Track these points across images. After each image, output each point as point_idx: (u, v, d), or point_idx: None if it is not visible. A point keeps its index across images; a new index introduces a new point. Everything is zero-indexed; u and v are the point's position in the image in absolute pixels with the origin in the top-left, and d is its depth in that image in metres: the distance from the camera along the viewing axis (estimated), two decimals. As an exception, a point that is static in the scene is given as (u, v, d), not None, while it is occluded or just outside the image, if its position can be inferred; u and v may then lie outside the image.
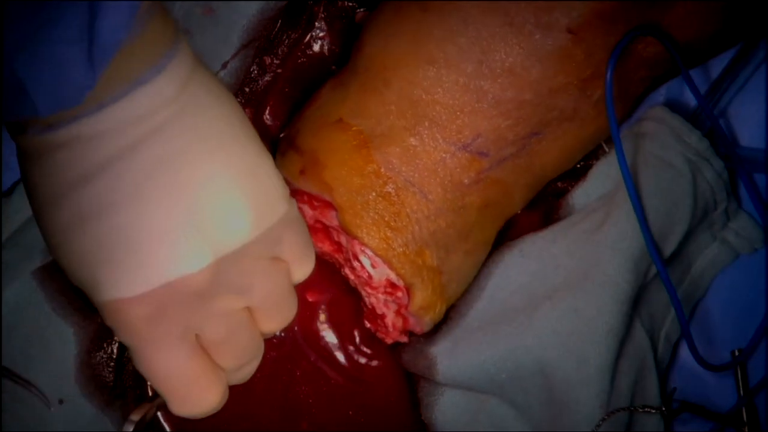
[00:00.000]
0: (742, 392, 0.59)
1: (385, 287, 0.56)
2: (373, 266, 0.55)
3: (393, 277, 0.55)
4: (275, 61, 0.59)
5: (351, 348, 0.61)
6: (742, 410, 0.59)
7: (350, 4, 0.60)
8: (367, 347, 0.61)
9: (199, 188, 0.35)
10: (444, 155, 0.54)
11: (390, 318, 0.57)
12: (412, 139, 0.54)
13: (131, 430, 0.40)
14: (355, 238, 0.54)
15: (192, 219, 0.35)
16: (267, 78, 0.59)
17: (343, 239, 0.56)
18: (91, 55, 0.31)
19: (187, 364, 0.37)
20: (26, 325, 0.56)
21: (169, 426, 0.59)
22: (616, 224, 0.56)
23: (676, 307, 0.56)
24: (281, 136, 0.60)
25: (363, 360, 0.61)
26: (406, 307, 0.56)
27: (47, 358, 0.56)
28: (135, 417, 0.41)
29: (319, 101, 0.57)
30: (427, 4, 0.53)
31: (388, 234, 0.54)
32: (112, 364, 0.58)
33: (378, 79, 0.54)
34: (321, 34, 0.60)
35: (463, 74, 0.53)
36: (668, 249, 0.57)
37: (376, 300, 0.57)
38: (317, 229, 0.58)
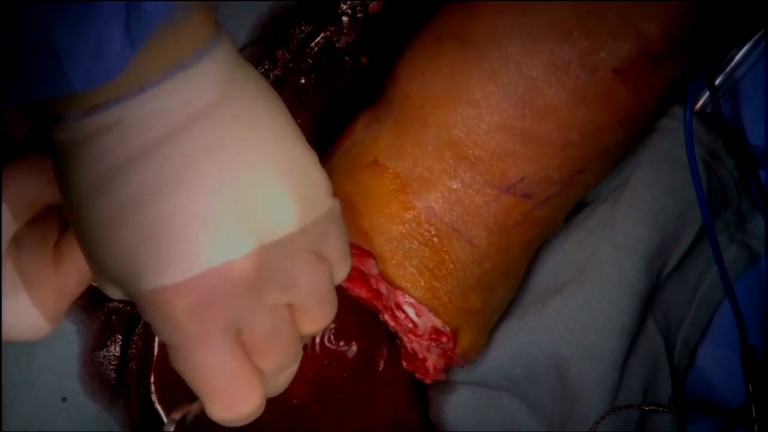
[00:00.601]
0: (751, 389, 0.59)
1: (430, 334, 0.54)
2: (417, 315, 0.53)
3: (438, 324, 0.53)
4: (287, 56, 0.58)
5: (359, 348, 0.60)
6: (752, 407, 0.59)
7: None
8: (376, 347, 0.60)
9: (245, 176, 0.35)
10: (487, 199, 0.52)
11: (431, 361, 0.56)
12: (452, 183, 0.52)
13: (172, 429, 0.39)
14: (398, 288, 0.52)
15: (237, 205, 0.34)
16: (280, 71, 0.58)
17: (383, 287, 0.54)
18: (129, 26, 0.31)
19: (230, 361, 0.36)
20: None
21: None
22: (633, 223, 0.56)
23: (718, 266, 0.55)
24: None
25: (371, 360, 0.60)
26: (453, 350, 0.55)
27: (51, 355, 0.57)
28: (176, 416, 0.40)
29: (353, 137, 0.55)
30: (465, 40, 0.51)
31: (434, 283, 0.52)
32: (115, 362, 0.59)
33: (414, 118, 0.52)
34: (334, 26, 0.59)
35: (505, 115, 0.50)
36: (681, 249, 0.58)
37: (419, 346, 0.55)
38: (354, 276, 0.56)
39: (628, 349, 0.56)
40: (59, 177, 0.36)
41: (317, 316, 0.39)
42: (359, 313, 0.60)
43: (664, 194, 0.56)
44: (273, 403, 0.58)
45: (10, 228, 0.38)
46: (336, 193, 0.53)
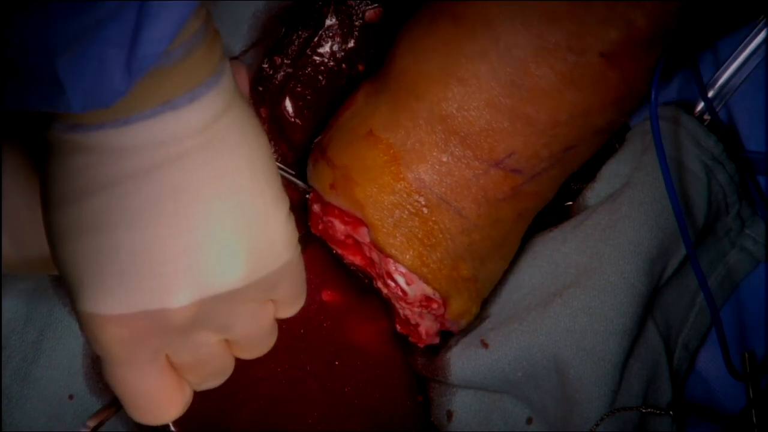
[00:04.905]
0: (752, 394, 0.59)
1: (421, 301, 0.55)
2: (408, 283, 0.55)
3: (428, 291, 0.55)
4: (285, 61, 0.59)
5: (361, 349, 0.61)
6: (752, 413, 0.58)
7: (360, 2, 0.59)
8: (378, 349, 0.61)
9: (202, 228, 0.35)
10: (477, 172, 0.53)
11: (424, 326, 0.57)
12: (443, 156, 0.53)
13: None
14: (388, 256, 0.54)
15: (186, 256, 0.35)
16: (279, 77, 0.59)
17: (375, 256, 0.56)
18: (129, 61, 0.31)
19: (153, 384, 0.38)
20: (39, 318, 0.57)
21: (174, 426, 0.59)
22: (634, 225, 0.56)
23: (706, 295, 0.55)
24: (315, 141, 0.59)
25: (373, 362, 0.61)
26: (443, 316, 0.56)
27: (58, 352, 0.57)
28: (91, 423, 0.43)
29: (353, 107, 0.56)
30: (458, 19, 0.52)
31: (422, 251, 0.54)
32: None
33: (409, 93, 0.53)
34: (331, 34, 0.59)
35: (495, 94, 0.52)
36: (682, 252, 0.58)
37: (411, 312, 0.57)
38: (349, 244, 0.57)
39: (628, 352, 0.56)
40: (42, 169, 0.37)
41: (250, 352, 0.40)
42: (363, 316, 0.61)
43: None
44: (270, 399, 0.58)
45: None
46: (333, 161, 0.54)
